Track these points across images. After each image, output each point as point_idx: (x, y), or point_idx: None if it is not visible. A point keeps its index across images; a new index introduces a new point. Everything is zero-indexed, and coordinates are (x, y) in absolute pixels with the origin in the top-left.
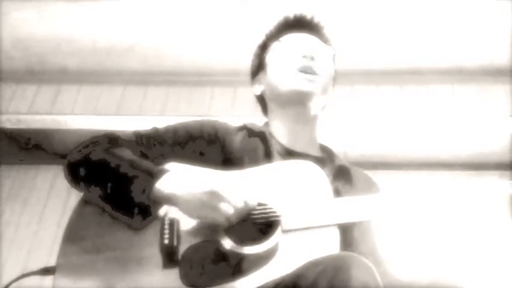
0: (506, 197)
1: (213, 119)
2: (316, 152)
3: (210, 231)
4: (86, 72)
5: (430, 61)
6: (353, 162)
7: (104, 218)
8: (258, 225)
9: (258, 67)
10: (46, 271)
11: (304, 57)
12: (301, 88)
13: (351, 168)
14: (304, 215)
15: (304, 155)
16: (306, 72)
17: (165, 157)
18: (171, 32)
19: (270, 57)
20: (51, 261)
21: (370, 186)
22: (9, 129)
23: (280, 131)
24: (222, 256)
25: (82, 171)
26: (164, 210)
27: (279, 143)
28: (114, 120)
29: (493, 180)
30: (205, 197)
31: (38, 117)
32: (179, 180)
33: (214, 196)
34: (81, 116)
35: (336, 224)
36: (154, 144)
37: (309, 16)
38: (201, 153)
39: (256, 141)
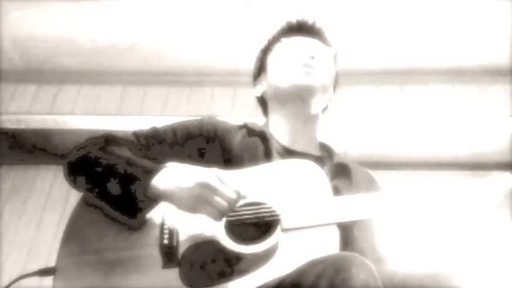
0: (505, 197)
1: (213, 117)
2: (315, 151)
3: (209, 229)
4: (86, 72)
5: (430, 61)
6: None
7: (104, 219)
8: (257, 225)
9: (260, 69)
10: (46, 272)
11: (304, 55)
12: (301, 82)
13: (350, 165)
14: (304, 214)
15: (304, 154)
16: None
17: (164, 157)
18: (171, 32)
19: (271, 58)
20: (51, 262)
21: (370, 183)
22: (9, 129)
23: (281, 131)
24: (222, 256)
25: (80, 171)
26: (163, 210)
27: (279, 143)
28: (114, 120)
29: (493, 180)
30: (197, 189)
31: (38, 117)
32: (174, 176)
33: (206, 188)
34: (81, 116)
35: (335, 223)
36: (153, 144)
37: (310, 21)
38: (201, 152)
39: (256, 141)
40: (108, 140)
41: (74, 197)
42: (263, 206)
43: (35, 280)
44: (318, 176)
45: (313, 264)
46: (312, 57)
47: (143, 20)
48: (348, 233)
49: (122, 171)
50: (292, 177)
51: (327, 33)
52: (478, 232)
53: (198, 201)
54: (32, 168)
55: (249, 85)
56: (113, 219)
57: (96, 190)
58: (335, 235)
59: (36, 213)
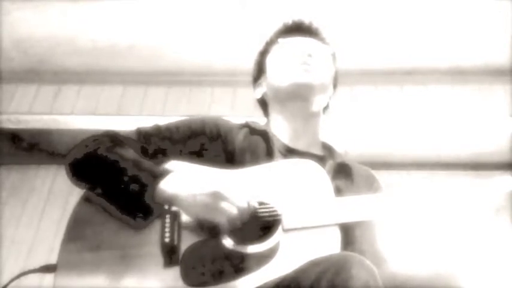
0: (506, 197)
1: (215, 116)
2: (317, 150)
3: (211, 229)
4: (86, 72)
5: (430, 61)
6: None
7: (105, 217)
8: (259, 225)
9: (259, 72)
10: (47, 269)
11: (302, 54)
12: (299, 80)
13: (351, 164)
14: (305, 214)
15: (306, 154)
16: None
17: (166, 154)
18: (171, 32)
19: (269, 59)
20: (51, 261)
21: (371, 183)
22: (9, 129)
23: (282, 130)
24: (223, 255)
25: (85, 170)
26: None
27: (281, 142)
28: (114, 120)
29: (493, 180)
30: (208, 198)
31: (38, 117)
32: (182, 181)
33: (217, 197)
34: (81, 116)
35: (336, 224)
36: (156, 141)
37: (307, 21)
38: (203, 150)
39: (258, 140)
40: (112, 139)
41: (74, 196)
42: (265, 206)
43: (36, 278)
44: (320, 176)
45: (313, 264)
46: (310, 55)
47: (143, 20)
48: (349, 234)
49: (129, 175)
50: (294, 177)
51: (324, 32)
52: (479, 233)
53: (209, 209)
54: (32, 168)
55: (249, 85)
56: (117, 218)
57: (101, 191)
58: (336, 236)
59: (36, 213)
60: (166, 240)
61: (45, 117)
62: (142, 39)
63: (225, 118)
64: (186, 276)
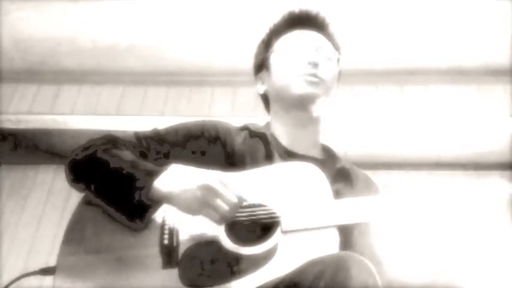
0: (506, 197)
1: (214, 119)
2: (317, 154)
3: (210, 230)
4: (86, 72)
5: (430, 61)
6: (353, 162)
7: (104, 219)
8: (257, 226)
9: (261, 65)
10: (46, 271)
11: (308, 63)
12: (306, 92)
13: (351, 169)
14: (304, 216)
15: (305, 157)
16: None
17: (165, 158)
18: (171, 32)
19: (274, 59)
20: (51, 262)
21: (369, 188)
22: (9, 129)
23: (282, 133)
24: (222, 256)
25: (83, 173)
26: (164, 210)
27: (280, 144)
28: (114, 120)
29: (493, 180)
30: (199, 192)
31: (38, 117)
32: (176, 178)
33: (209, 191)
34: (81, 116)
35: (335, 226)
36: (155, 146)
37: (314, 12)
38: (203, 153)
39: (258, 142)
40: (110, 141)
41: (74, 197)
42: (263, 207)
43: (36, 280)
44: (319, 179)
45: (312, 263)
46: (316, 65)
47: (143, 20)
48: (348, 236)
49: (125, 174)
50: (293, 180)
51: (331, 25)
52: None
53: (200, 204)
54: (32, 168)
55: (249, 85)
56: (116, 220)
57: (99, 192)
58: (335, 238)
59: (36, 213)
60: (165, 241)
61: (45, 117)
62: (142, 39)
63: (225, 121)
64: (185, 278)
